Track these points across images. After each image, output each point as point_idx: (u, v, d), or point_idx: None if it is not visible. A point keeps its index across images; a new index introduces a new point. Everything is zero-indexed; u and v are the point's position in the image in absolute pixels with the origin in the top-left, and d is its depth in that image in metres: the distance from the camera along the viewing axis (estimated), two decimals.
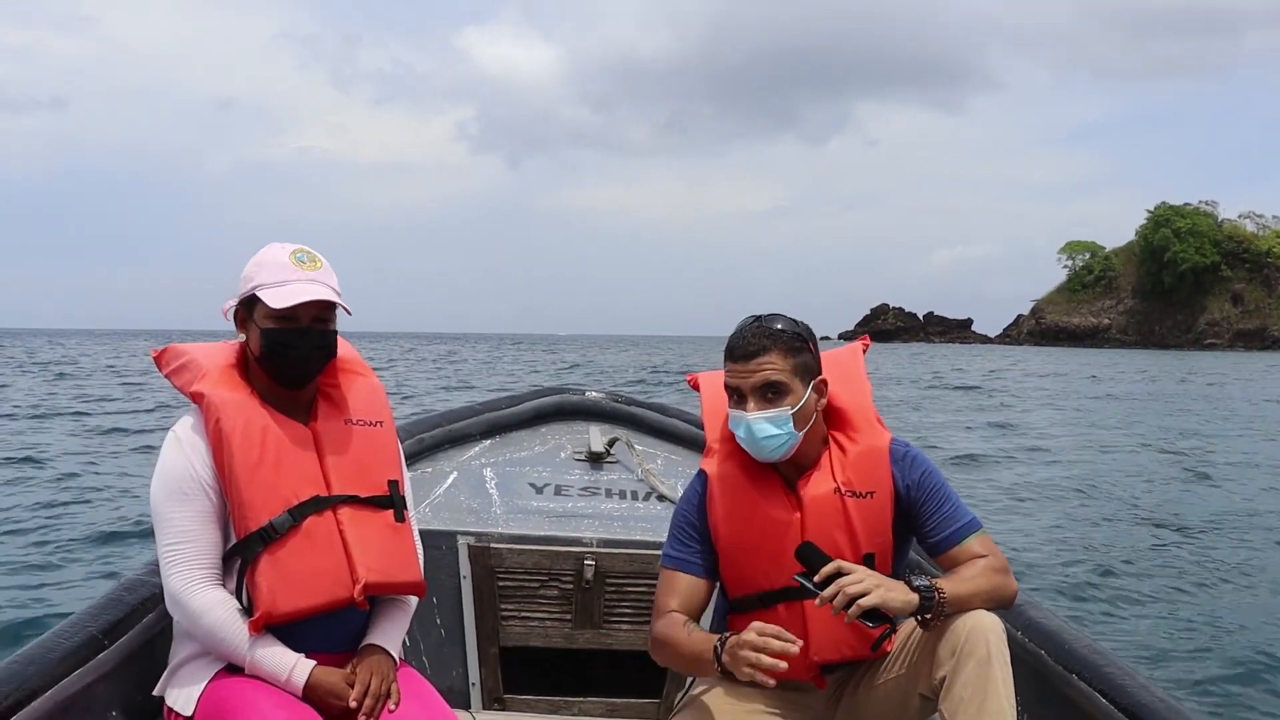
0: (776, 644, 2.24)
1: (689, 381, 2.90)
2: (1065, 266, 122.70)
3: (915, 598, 2.30)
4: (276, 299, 2.35)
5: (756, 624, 2.30)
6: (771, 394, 2.46)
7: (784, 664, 2.23)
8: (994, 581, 2.43)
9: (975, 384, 36.29)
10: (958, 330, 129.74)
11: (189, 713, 2.29)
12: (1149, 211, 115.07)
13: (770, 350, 2.45)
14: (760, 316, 2.52)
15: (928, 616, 2.33)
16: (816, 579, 2.30)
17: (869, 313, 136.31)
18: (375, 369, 2.70)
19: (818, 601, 2.29)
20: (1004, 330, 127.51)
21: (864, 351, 2.84)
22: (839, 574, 2.28)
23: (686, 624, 2.53)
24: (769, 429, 2.45)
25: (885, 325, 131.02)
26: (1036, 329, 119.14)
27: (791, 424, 2.46)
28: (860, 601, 2.23)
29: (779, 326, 2.49)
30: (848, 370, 2.71)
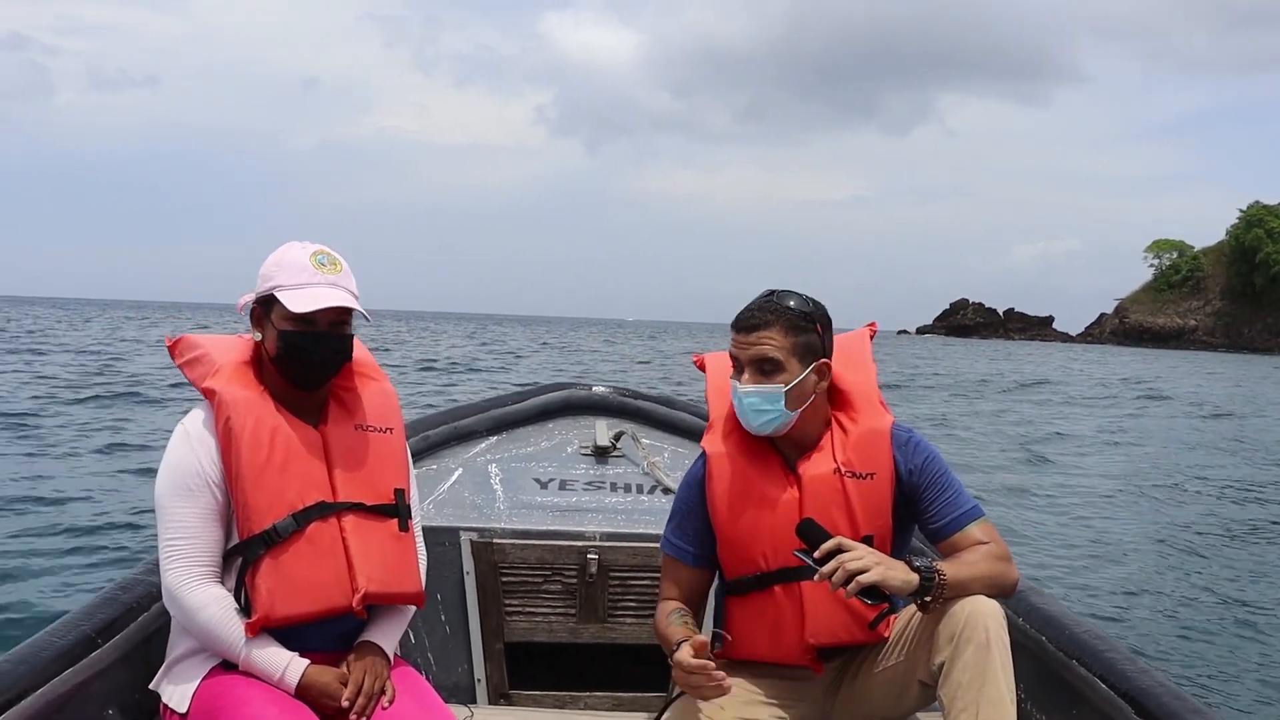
0: (704, 682, 2.27)
1: (695, 362, 2.91)
2: (1151, 265, 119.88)
3: (915, 577, 2.29)
4: (296, 302, 2.34)
5: (685, 652, 2.30)
6: (766, 369, 2.46)
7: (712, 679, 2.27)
8: (996, 568, 2.41)
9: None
10: (1038, 328, 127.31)
11: (184, 709, 2.31)
12: (1241, 211, 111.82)
13: (771, 326, 2.46)
14: (775, 291, 2.52)
15: (927, 599, 2.31)
16: (817, 555, 2.30)
17: (948, 307, 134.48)
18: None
19: (816, 577, 2.28)
20: (1086, 329, 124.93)
21: (871, 337, 2.83)
22: (839, 550, 2.28)
23: (672, 613, 2.57)
24: (759, 403, 2.48)
25: (964, 320, 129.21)
26: (1120, 328, 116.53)
27: (783, 402, 2.47)
28: (860, 578, 2.23)
29: (789, 304, 2.49)
30: (854, 353, 2.71)
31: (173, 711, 2.33)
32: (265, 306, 2.42)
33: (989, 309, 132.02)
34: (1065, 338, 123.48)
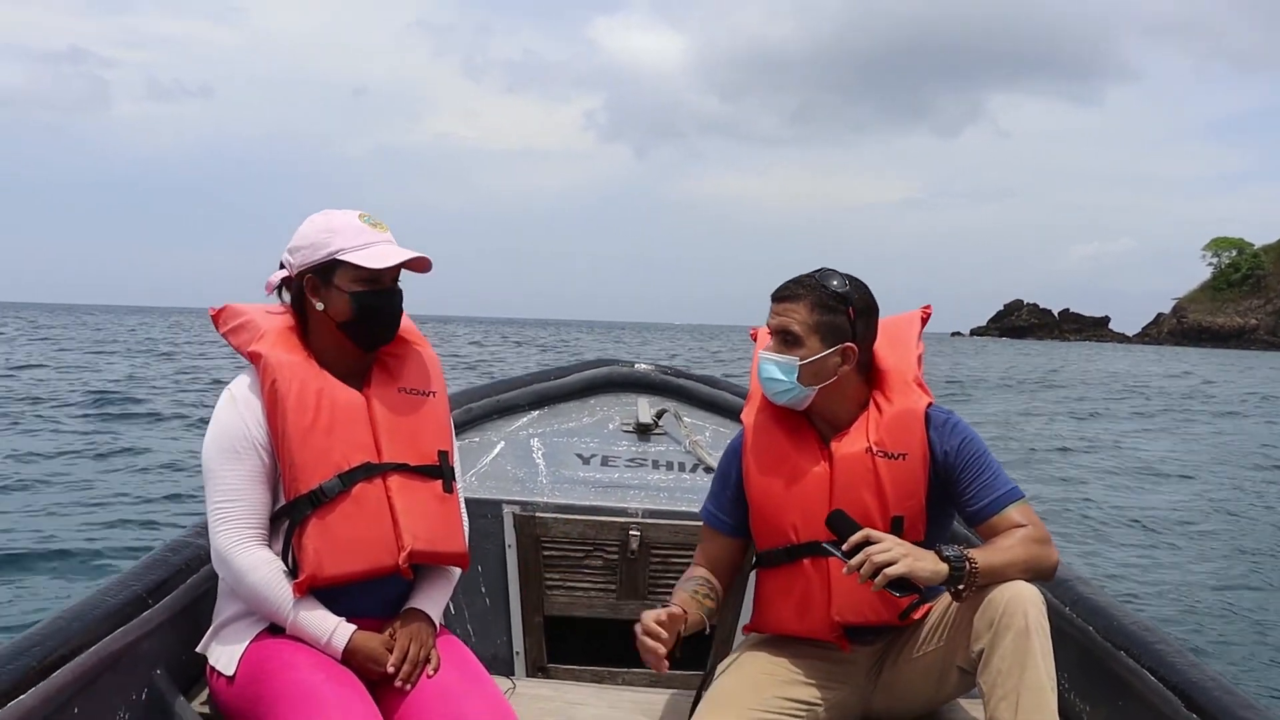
0: (649, 641, 2.32)
1: (751, 334, 2.90)
2: (1210, 264, 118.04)
3: (945, 568, 2.26)
4: (370, 260, 2.35)
5: (645, 615, 2.36)
6: (787, 340, 2.49)
7: (659, 657, 2.31)
8: (1032, 551, 2.36)
9: None
10: (1093, 328, 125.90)
11: (230, 672, 2.30)
12: None
13: (799, 300, 2.49)
14: (823, 269, 2.53)
15: (959, 587, 2.28)
16: (845, 547, 2.29)
17: (1002, 308, 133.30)
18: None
19: (845, 570, 2.27)
20: (1143, 329, 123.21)
21: (924, 321, 2.80)
22: (867, 542, 2.26)
23: (690, 580, 2.63)
24: (774, 371, 2.51)
25: (1019, 321, 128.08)
26: (1178, 328, 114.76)
27: (796, 374, 2.48)
28: (887, 570, 2.21)
29: (827, 283, 2.50)
30: (899, 335, 2.69)
31: (219, 674, 2.33)
32: (323, 275, 2.40)
33: (1043, 310, 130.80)
34: (1122, 338, 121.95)
